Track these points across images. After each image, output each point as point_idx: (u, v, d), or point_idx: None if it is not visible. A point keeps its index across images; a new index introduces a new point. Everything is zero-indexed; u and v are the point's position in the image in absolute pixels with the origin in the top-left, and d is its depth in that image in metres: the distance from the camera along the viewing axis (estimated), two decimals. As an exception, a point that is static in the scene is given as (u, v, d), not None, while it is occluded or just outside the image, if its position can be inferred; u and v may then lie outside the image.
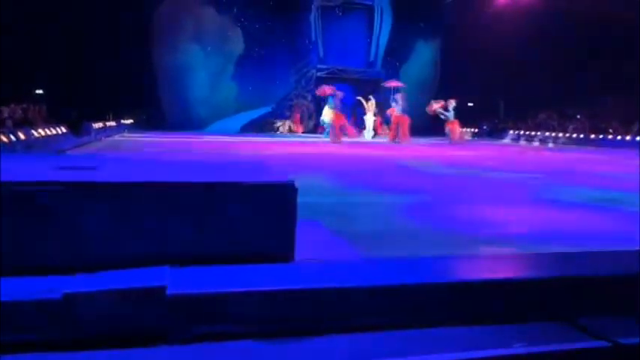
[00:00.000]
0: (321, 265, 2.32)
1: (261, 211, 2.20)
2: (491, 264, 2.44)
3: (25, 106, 14.57)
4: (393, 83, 22.54)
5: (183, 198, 2.14)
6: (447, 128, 19.20)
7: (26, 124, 12.66)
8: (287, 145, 15.24)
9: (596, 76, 20.22)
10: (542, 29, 21.62)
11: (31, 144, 10.65)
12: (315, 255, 2.51)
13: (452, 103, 19.28)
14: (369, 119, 21.25)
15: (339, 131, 17.56)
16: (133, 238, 2.07)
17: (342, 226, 3.71)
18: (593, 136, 19.83)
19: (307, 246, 2.40)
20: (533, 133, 21.99)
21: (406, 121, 18.31)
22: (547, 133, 21.42)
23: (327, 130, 20.87)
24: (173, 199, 2.13)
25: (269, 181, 2.25)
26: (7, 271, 1.92)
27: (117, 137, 17.11)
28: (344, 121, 18.58)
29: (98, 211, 2.04)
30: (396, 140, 17.76)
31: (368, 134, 21.14)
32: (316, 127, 22.77)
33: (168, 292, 1.81)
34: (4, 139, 9.92)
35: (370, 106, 21.18)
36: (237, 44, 24.59)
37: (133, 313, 1.79)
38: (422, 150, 14.93)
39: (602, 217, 4.82)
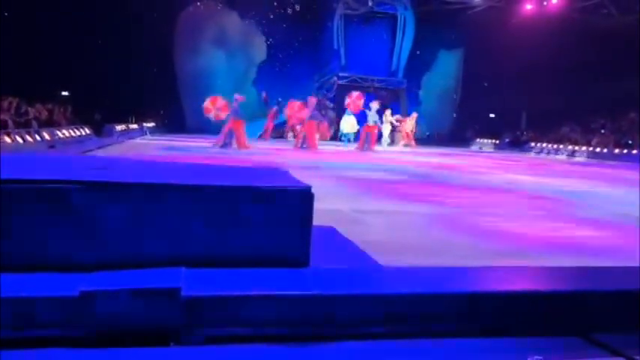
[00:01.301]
0: (336, 271, 2.32)
1: (277, 215, 2.20)
2: (507, 276, 2.41)
3: (50, 107, 14.85)
4: None
5: (201, 200, 2.16)
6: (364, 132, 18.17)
7: (51, 124, 12.89)
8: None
9: (621, 90, 19.93)
10: (566, 41, 21.40)
11: (54, 144, 10.84)
12: (330, 261, 2.51)
13: (375, 105, 18.40)
14: (386, 129, 21.38)
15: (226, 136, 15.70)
16: (151, 238, 2.10)
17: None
18: (617, 150, 19.50)
19: (322, 252, 2.41)
20: (555, 146, 21.72)
21: (313, 127, 17.45)
22: (570, 147, 21.14)
23: (345, 140, 20.92)
24: (191, 201, 2.15)
25: (285, 185, 2.26)
26: (26, 267, 1.95)
27: (138, 140, 17.31)
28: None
29: (117, 211, 2.07)
30: (303, 146, 16.93)
31: (385, 143, 21.22)
32: (336, 135, 22.78)
33: (182, 293, 1.82)
34: (30, 138, 10.12)
35: (387, 115, 21.18)
36: (259, 50, 24.80)
37: (147, 313, 1.80)
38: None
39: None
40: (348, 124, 21.23)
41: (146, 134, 19.56)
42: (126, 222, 2.09)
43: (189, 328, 1.81)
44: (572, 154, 20.34)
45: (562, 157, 20.21)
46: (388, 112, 21.56)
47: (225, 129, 15.56)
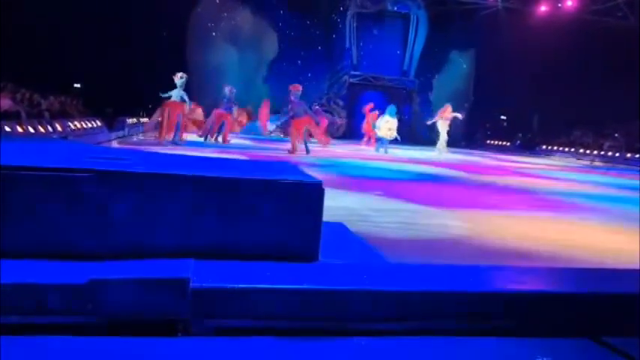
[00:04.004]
0: (345, 267, 2.31)
1: (288, 209, 2.20)
2: (517, 275, 2.39)
3: (63, 99, 14.94)
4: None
5: (212, 192, 2.15)
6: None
7: (63, 116, 12.97)
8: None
9: (635, 94, 19.72)
10: (580, 43, 21.22)
11: (66, 135, 10.91)
12: (340, 256, 2.49)
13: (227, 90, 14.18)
14: (443, 127, 16.30)
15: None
16: (160, 229, 2.10)
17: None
18: (629, 155, 19.32)
19: (332, 247, 2.39)
20: (567, 149, 21.57)
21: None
22: (581, 150, 20.98)
23: (378, 143, 16.56)
24: (201, 193, 2.15)
25: (297, 179, 2.25)
26: (37, 254, 1.96)
27: (149, 133, 17.33)
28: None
29: (127, 201, 2.07)
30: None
31: (442, 148, 16.16)
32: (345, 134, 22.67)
33: (191, 284, 1.82)
34: (42, 129, 10.20)
35: (448, 112, 16.20)
36: (271, 47, 24.80)
37: (155, 303, 1.80)
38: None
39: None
40: (384, 126, 16.24)
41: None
42: (136, 212, 2.09)
43: (197, 319, 1.81)
44: (591, 160, 20.06)
45: (571, 159, 20.04)
46: (449, 107, 16.46)
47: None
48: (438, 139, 16.38)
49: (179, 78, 13.06)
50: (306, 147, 12.96)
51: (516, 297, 2.04)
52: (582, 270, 2.69)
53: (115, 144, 12.48)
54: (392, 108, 16.60)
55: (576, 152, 21.04)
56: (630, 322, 2.04)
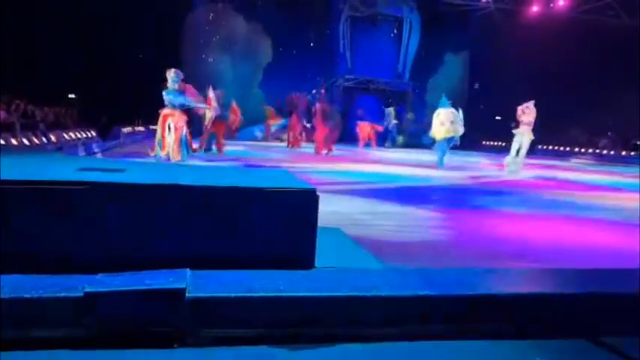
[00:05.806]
0: (341, 273, 2.30)
1: (283, 216, 2.20)
2: (513, 278, 2.39)
3: (57, 109, 14.92)
4: None
5: (207, 202, 2.15)
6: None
7: (58, 126, 12.94)
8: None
9: (629, 92, 19.79)
10: (572, 42, 21.30)
11: (61, 146, 10.88)
12: (336, 262, 2.49)
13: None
14: (526, 136, 11.81)
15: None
16: (156, 239, 2.09)
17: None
18: (624, 152, 19.38)
19: (328, 253, 2.39)
20: (562, 148, 21.63)
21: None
22: (576, 149, 21.03)
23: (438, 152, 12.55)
24: (196, 203, 2.14)
25: (291, 187, 2.25)
26: (32, 268, 1.95)
27: (145, 141, 17.29)
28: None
29: (122, 212, 2.06)
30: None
31: (512, 162, 11.62)
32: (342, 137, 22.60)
33: (187, 294, 1.81)
34: (36, 140, 10.17)
35: (528, 112, 12.02)
36: (265, 53, 24.81)
37: (152, 314, 1.80)
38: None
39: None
40: (437, 122, 12.48)
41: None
42: (131, 222, 2.08)
43: (194, 329, 1.80)
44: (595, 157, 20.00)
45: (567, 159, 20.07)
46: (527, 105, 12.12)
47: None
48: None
49: (171, 74, 9.88)
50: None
51: (515, 298, 2.04)
52: (581, 271, 2.69)
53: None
54: (444, 99, 12.95)
55: (572, 151, 21.10)
56: (628, 322, 2.04)
